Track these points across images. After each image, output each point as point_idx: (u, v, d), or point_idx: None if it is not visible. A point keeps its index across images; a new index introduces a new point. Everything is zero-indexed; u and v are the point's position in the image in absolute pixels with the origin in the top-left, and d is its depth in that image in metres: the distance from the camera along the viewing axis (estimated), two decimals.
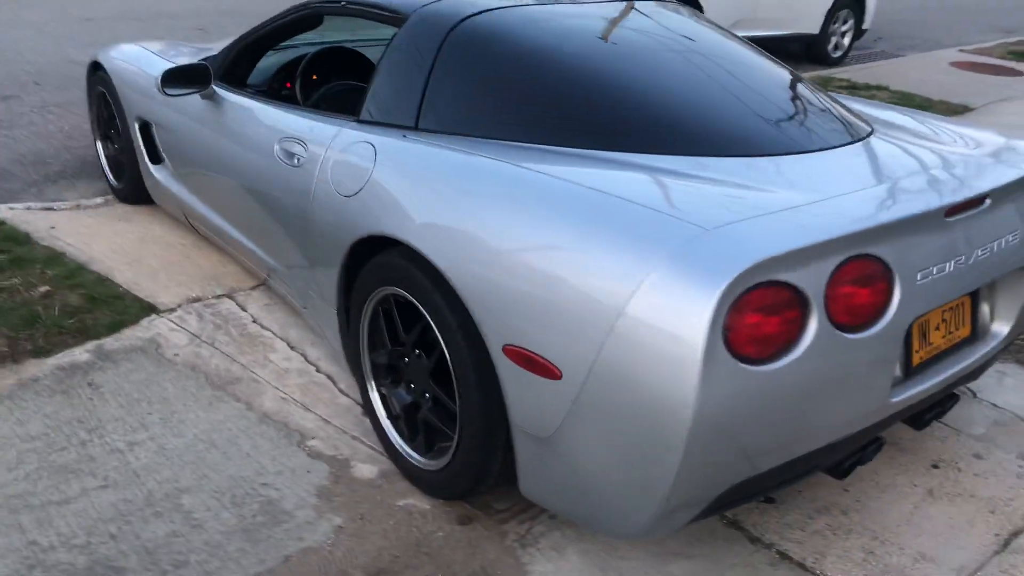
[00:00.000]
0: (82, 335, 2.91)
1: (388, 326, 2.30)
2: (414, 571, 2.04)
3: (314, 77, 3.37)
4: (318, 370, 2.82)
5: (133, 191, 4.02)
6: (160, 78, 2.97)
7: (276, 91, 3.39)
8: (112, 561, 2.01)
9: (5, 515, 2.13)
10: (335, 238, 2.37)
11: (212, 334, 2.98)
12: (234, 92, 3.07)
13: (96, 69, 4.10)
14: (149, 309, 3.11)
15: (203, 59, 3.40)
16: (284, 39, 3.21)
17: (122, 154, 4.04)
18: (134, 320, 3.03)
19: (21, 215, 3.87)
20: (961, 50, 9.49)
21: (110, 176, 4.22)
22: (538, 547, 2.14)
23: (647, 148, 2.09)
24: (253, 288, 3.31)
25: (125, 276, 3.34)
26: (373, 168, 2.26)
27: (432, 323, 2.06)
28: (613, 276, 1.67)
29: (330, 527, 2.16)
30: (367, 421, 2.57)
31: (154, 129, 3.62)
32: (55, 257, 3.44)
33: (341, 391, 2.72)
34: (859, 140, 2.26)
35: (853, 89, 7.21)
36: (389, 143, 2.29)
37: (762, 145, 2.13)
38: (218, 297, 3.23)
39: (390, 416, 2.39)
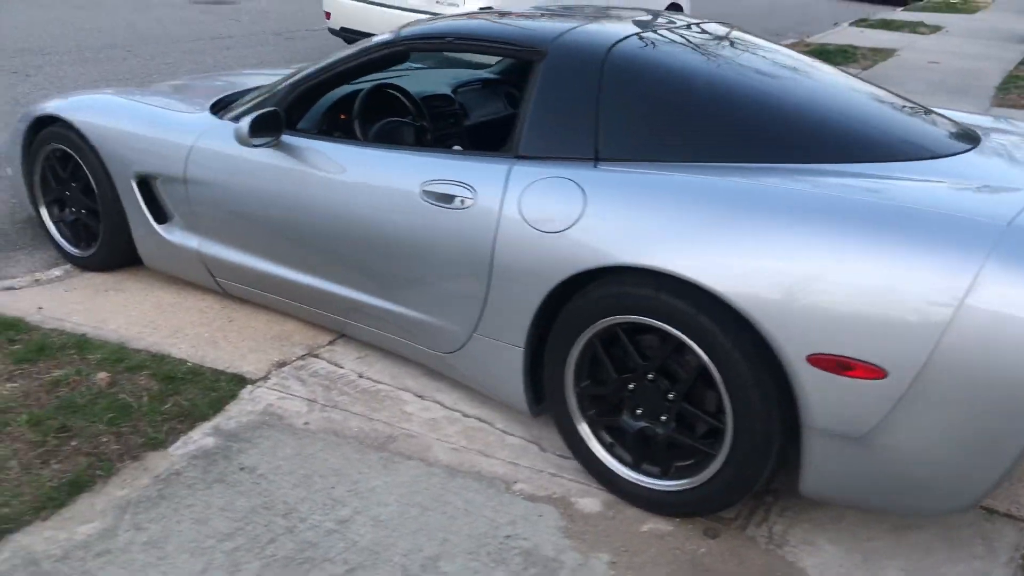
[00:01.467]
0: (188, 418, 2.60)
1: (610, 356, 2.31)
2: None
3: (365, 115, 3.23)
4: (465, 415, 2.73)
5: (109, 257, 3.60)
6: (250, 128, 2.74)
7: (327, 131, 3.21)
8: None
9: None
10: (536, 275, 2.33)
11: (328, 396, 2.77)
12: (314, 138, 2.89)
13: (43, 125, 3.62)
14: (239, 381, 2.82)
15: (253, 101, 3.13)
16: (358, 78, 3.05)
17: (90, 218, 3.60)
18: (231, 395, 2.74)
19: None
20: None
21: (67, 245, 3.74)
22: (791, 544, 2.26)
23: (842, 158, 2.28)
24: (331, 343, 3.11)
25: (184, 350, 3.00)
26: (585, 203, 2.26)
27: (694, 345, 2.11)
28: (942, 274, 1.84)
29: (603, 565, 2.14)
30: (552, 456, 2.54)
31: (159, 186, 3.28)
32: (81, 341, 3.01)
33: (504, 431, 2.65)
34: (978, 143, 2.60)
35: None
36: (593, 176, 2.31)
37: (924, 149, 2.40)
38: (303, 358, 3.00)
39: (603, 445, 2.39)
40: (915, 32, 14.31)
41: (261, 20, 10.86)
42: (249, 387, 2.80)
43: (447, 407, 2.76)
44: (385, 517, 2.25)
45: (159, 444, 2.48)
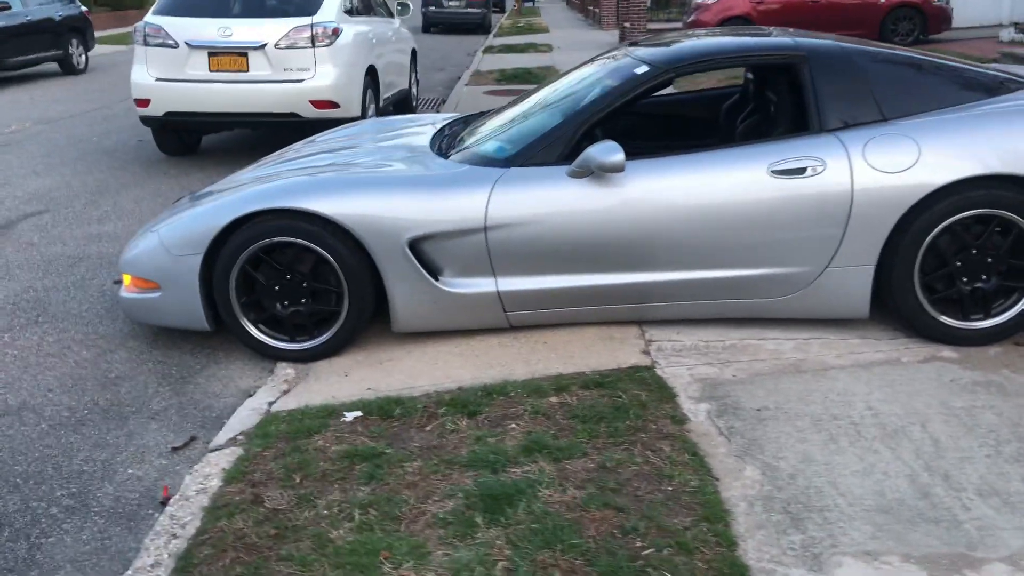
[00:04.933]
0: (665, 399, 3.05)
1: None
2: None
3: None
4: (814, 338, 3.52)
5: (347, 338, 3.64)
6: (611, 157, 3.23)
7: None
8: None
9: None
10: (889, 206, 3.27)
11: (719, 356, 3.37)
12: (651, 158, 3.48)
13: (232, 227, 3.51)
14: (645, 369, 3.28)
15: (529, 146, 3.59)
16: (629, 107, 3.61)
17: (310, 306, 3.59)
18: (659, 380, 3.21)
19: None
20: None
21: (280, 343, 3.65)
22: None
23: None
24: (641, 330, 3.63)
25: (559, 366, 3.33)
26: (920, 147, 3.27)
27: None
28: None
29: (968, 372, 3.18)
30: (899, 336, 3.48)
31: (431, 245, 3.49)
32: (473, 393, 3.17)
33: (846, 336, 3.52)
34: None
35: None
36: (909, 126, 3.33)
37: None
38: (652, 344, 3.51)
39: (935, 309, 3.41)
40: (538, 51, 16.86)
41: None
42: (656, 370, 3.28)
43: (793, 338, 3.53)
44: (889, 410, 3.03)
45: (680, 420, 2.93)
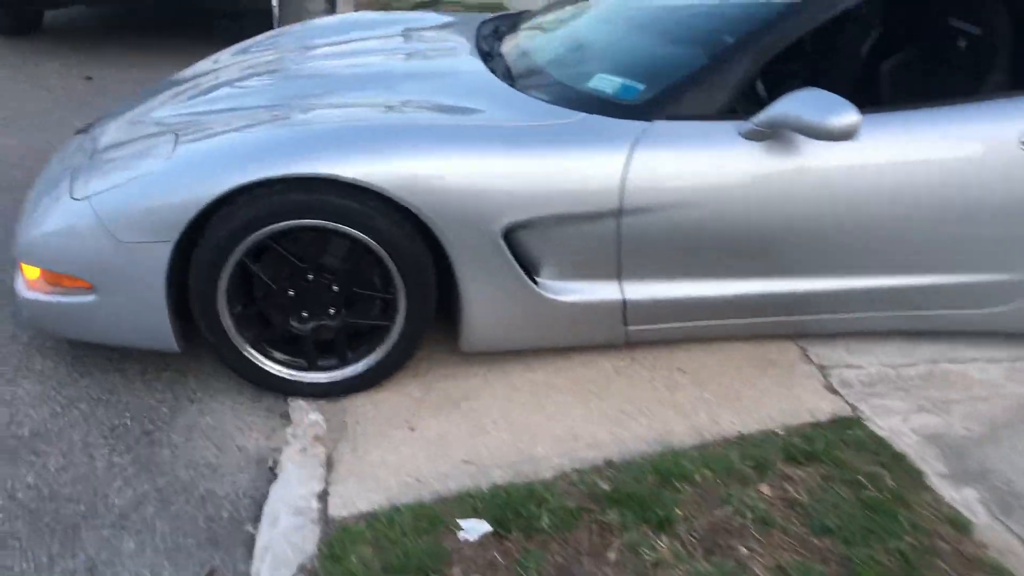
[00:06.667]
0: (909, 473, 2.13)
1: None
2: None
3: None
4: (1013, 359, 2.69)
5: (396, 363, 2.46)
6: (848, 126, 2.16)
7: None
8: None
9: None
10: None
11: (914, 396, 2.47)
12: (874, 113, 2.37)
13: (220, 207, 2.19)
14: (852, 422, 2.34)
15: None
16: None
17: (336, 320, 2.38)
18: (870, 434, 2.28)
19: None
20: None
21: (292, 374, 2.42)
22: None
23: None
24: (802, 350, 2.67)
25: (726, 419, 2.32)
26: None
27: None
28: None
29: None
30: None
31: (529, 235, 2.34)
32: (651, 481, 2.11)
33: None
34: None
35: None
36: None
37: None
38: (825, 371, 2.56)
39: None
40: None
41: None
42: (867, 423, 2.34)
43: (994, 359, 2.68)
44: None
45: (961, 525, 2.02)
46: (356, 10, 7.59)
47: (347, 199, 2.21)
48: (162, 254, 2.21)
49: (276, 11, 6.18)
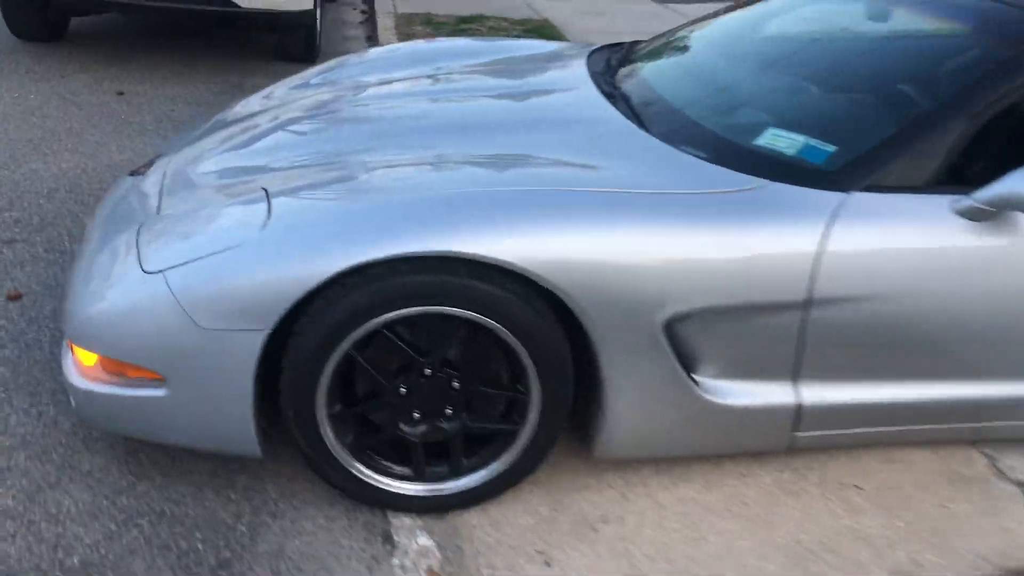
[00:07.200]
0: None
1: None
2: None
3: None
4: None
5: (500, 484, 2.03)
6: None
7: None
8: None
9: None
10: None
11: None
12: None
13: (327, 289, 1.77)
14: None
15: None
16: None
17: (477, 416, 1.95)
18: None
19: None
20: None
21: (395, 485, 1.98)
22: None
23: None
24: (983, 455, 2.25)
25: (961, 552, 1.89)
26: None
27: None
28: None
29: None
30: None
31: (698, 322, 1.91)
32: None
33: None
34: None
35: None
36: None
37: None
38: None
39: None
40: None
41: None
42: None
43: None
44: None
45: None
46: (395, 25, 7.18)
47: (483, 282, 1.79)
48: (252, 344, 1.78)
49: (319, 25, 5.76)
